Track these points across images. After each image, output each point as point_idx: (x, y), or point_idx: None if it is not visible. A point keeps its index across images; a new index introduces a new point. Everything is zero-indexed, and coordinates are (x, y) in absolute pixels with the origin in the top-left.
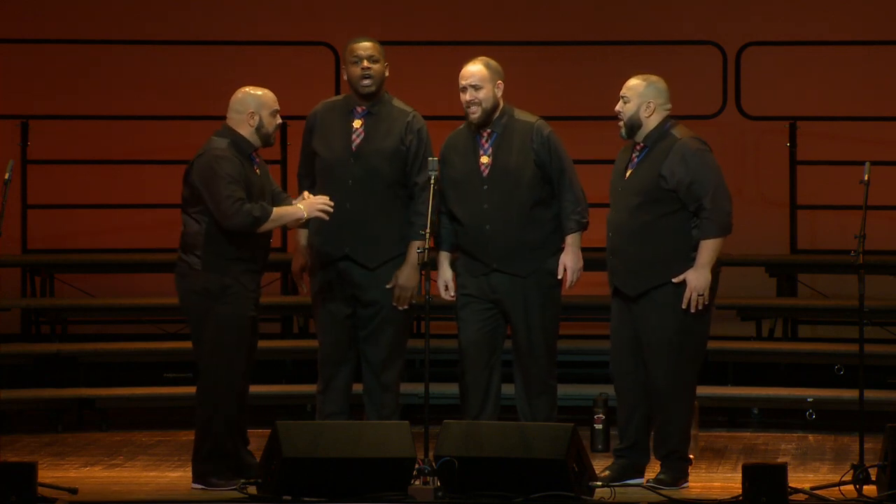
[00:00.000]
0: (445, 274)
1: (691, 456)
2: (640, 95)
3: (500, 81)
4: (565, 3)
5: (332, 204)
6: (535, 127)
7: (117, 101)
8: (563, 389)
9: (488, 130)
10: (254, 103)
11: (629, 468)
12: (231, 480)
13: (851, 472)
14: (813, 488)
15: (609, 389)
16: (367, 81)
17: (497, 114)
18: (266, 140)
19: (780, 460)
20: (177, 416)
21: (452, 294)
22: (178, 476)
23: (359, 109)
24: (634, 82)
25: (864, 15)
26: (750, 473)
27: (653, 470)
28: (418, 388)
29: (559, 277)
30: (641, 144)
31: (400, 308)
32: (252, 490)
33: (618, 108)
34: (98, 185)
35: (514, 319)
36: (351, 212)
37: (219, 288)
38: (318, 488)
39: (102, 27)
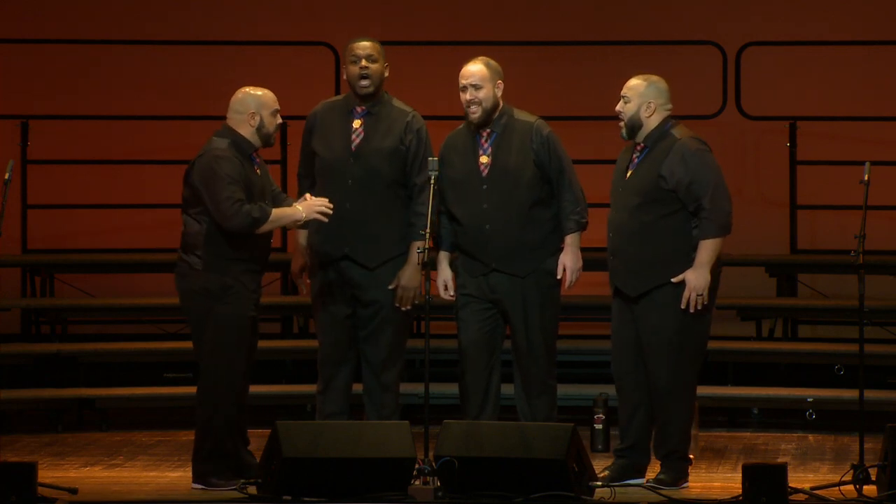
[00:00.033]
0: (444, 273)
1: (691, 456)
2: (641, 95)
3: (500, 81)
4: (565, 3)
5: (331, 206)
6: (535, 127)
7: (117, 101)
8: (563, 389)
9: (488, 130)
10: (254, 103)
11: (629, 468)
12: (231, 480)
13: (851, 472)
14: (813, 488)
15: (609, 389)
16: (365, 82)
17: (497, 114)
18: (267, 140)
19: (780, 460)
20: (177, 416)
21: (452, 293)
22: (178, 476)
23: (358, 109)
24: (635, 82)
25: (864, 15)
26: (750, 473)
27: (653, 470)
28: (418, 388)
29: (558, 277)
30: (642, 145)
31: (403, 309)
32: (252, 490)
33: (618, 108)
34: (98, 185)
35: (514, 319)
36: (351, 212)
37: (219, 288)
38: (318, 488)
39: (102, 27)
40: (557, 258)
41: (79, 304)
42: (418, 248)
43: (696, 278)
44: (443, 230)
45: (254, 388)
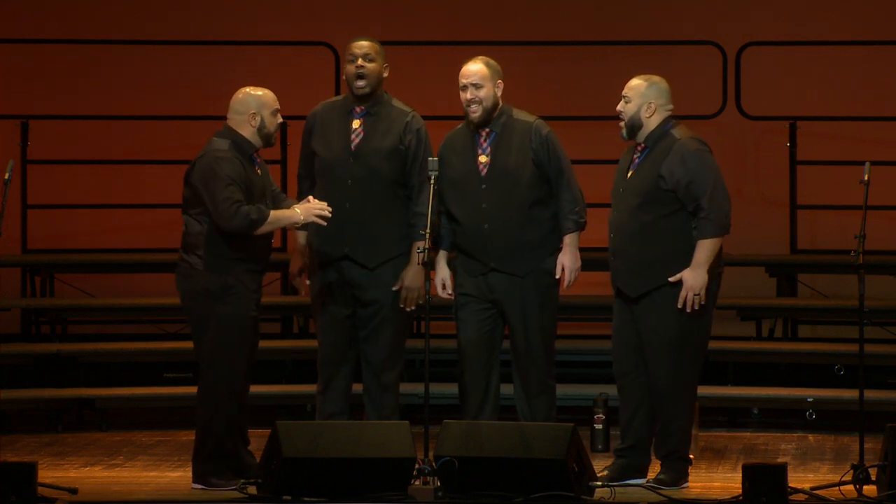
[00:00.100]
0: (442, 272)
1: (691, 456)
2: (642, 96)
3: (499, 81)
4: (565, 3)
5: (330, 210)
6: (534, 126)
7: (117, 101)
8: (563, 389)
9: (487, 130)
10: (255, 104)
11: (629, 468)
12: (231, 480)
13: (851, 472)
14: (813, 488)
15: (609, 389)
16: (361, 82)
17: (496, 113)
18: (267, 140)
19: (780, 460)
20: (177, 416)
21: (450, 292)
22: (178, 476)
23: (358, 109)
24: (636, 82)
25: (864, 15)
26: (750, 473)
27: (653, 470)
28: (418, 388)
29: (557, 277)
30: (642, 145)
31: (407, 309)
32: (252, 490)
33: (619, 107)
34: (98, 185)
35: (512, 320)
36: (350, 212)
37: (220, 288)
38: (318, 488)
39: (102, 27)
40: (556, 258)
41: (79, 304)
42: (418, 249)
43: (692, 278)
44: (442, 230)
45: (254, 388)
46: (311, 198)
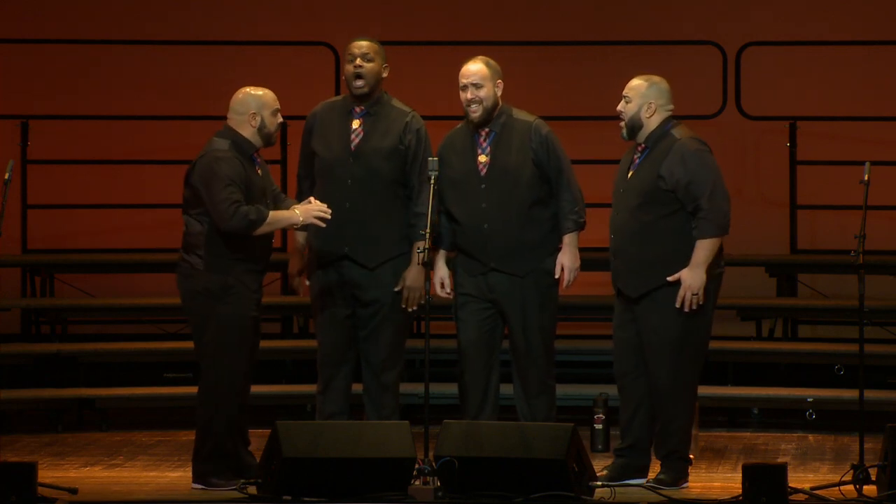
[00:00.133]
0: (441, 271)
1: (691, 456)
2: (642, 96)
3: (499, 80)
4: (565, 3)
5: (329, 212)
6: (534, 126)
7: (117, 101)
8: (563, 389)
9: (486, 129)
10: (255, 104)
11: (628, 468)
12: (231, 480)
13: (851, 472)
14: (813, 488)
15: (609, 389)
16: (359, 82)
17: (496, 113)
18: (268, 140)
19: (780, 460)
20: (177, 416)
21: (448, 291)
22: (178, 476)
23: (357, 109)
24: (636, 82)
25: (864, 15)
26: (750, 473)
27: (653, 470)
28: (418, 388)
29: (556, 277)
30: (643, 145)
31: (409, 309)
32: (252, 490)
33: (619, 107)
34: (98, 185)
35: (512, 320)
36: (350, 211)
37: (221, 288)
38: (318, 488)
39: (102, 27)
40: (556, 258)
41: (79, 304)
42: (418, 249)
43: (691, 277)
44: (442, 229)
45: (254, 388)
46: (312, 199)
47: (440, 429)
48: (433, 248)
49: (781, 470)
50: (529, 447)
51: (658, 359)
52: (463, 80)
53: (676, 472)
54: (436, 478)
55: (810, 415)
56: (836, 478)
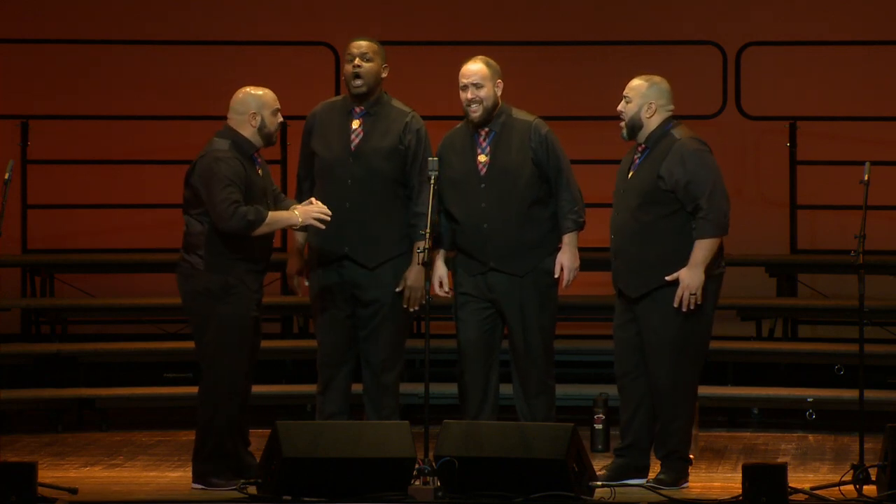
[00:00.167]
0: (440, 270)
1: (691, 456)
2: (643, 96)
3: (499, 80)
4: (565, 3)
5: (329, 213)
6: (533, 126)
7: (117, 101)
8: (563, 389)
9: (486, 129)
10: (255, 104)
11: (627, 467)
12: (231, 480)
13: (851, 472)
14: (813, 488)
15: (609, 389)
16: (357, 81)
17: (495, 113)
18: (268, 139)
19: (780, 460)
20: (177, 416)
21: (447, 290)
22: (178, 476)
23: (357, 109)
24: (637, 83)
25: (864, 15)
26: (750, 473)
27: (653, 470)
28: (418, 388)
29: (556, 276)
30: (643, 146)
31: (411, 309)
32: (252, 490)
33: (620, 107)
34: (98, 185)
35: (511, 320)
36: (350, 211)
37: (221, 288)
38: (318, 488)
39: (102, 27)
40: (555, 258)
41: (79, 304)
42: (418, 249)
43: (689, 277)
44: (441, 229)
45: (254, 388)
46: (313, 199)
47: (440, 429)
48: (433, 248)
49: (781, 470)
50: (529, 447)
51: (658, 359)
52: (463, 80)
53: (676, 472)
54: (436, 478)
55: (810, 415)
56: (836, 478)
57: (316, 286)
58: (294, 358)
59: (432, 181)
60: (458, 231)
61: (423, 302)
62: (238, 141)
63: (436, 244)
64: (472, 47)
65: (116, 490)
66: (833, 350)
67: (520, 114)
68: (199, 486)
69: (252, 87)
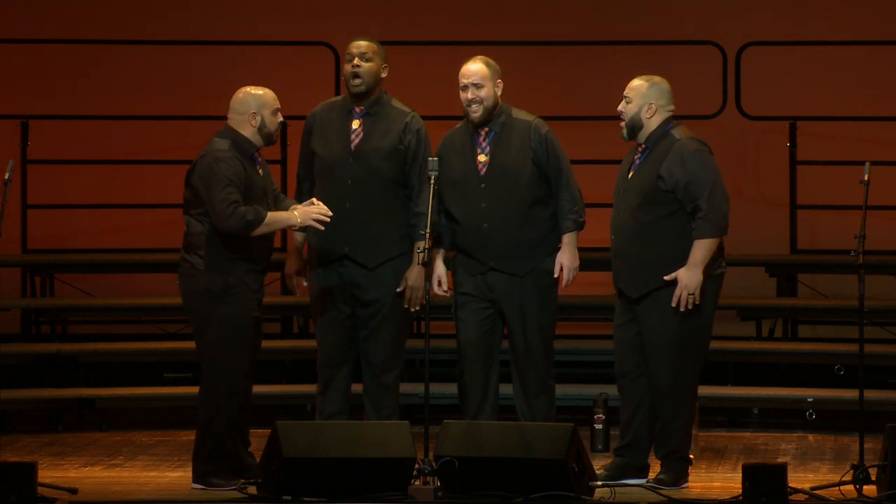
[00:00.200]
0: (438, 269)
1: (691, 456)
2: (643, 96)
3: (499, 80)
4: (565, 3)
5: (330, 214)
6: (533, 125)
7: (117, 101)
8: (563, 389)
9: (486, 129)
10: (255, 103)
11: (626, 467)
12: (231, 480)
13: (851, 472)
14: (813, 488)
15: (609, 389)
16: (356, 80)
17: (495, 112)
18: (268, 139)
19: (780, 460)
20: (177, 416)
21: (445, 289)
22: (178, 476)
23: (357, 109)
24: (637, 83)
25: (864, 15)
26: (750, 473)
27: (653, 470)
28: (418, 388)
29: (555, 276)
30: (643, 146)
31: (412, 309)
32: (252, 490)
33: (620, 108)
34: (98, 185)
35: (511, 320)
36: (350, 211)
37: (222, 288)
38: (318, 488)
39: (102, 27)
40: (555, 258)
41: (79, 304)
42: (419, 249)
43: (687, 277)
44: (441, 229)
45: (254, 388)
46: (315, 200)
47: (440, 429)
48: (433, 248)
49: (781, 470)
50: (529, 447)
51: (658, 359)
52: (463, 81)
53: (676, 472)
54: (436, 478)
55: (810, 415)
56: (836, 478)
57: (316, 286)
58: (294, 358)
59: (432, 181)
60: (458, 231)
61: (424, 302)
62: (238, 141)
63: (436, 244)
64: (472, 47)
65: (116, 490)
66: (833, 350)
67: (520, 114)
68: (199, 486)
69: (252, 87)
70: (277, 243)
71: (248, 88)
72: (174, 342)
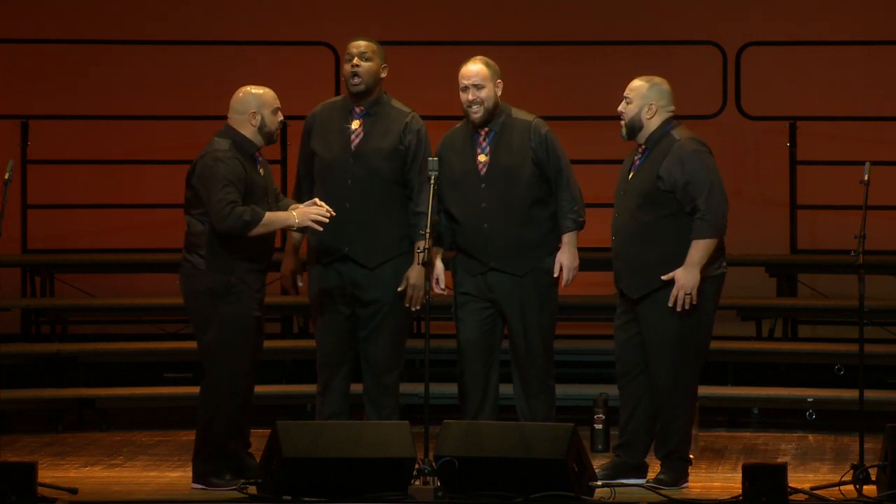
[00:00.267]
0: (437, 268)
1: (691, 456)
2: (643, 97)
3: (499, 80)
4: (565, 3)
5: (331, 213)
6: (533, 125)
7: (117, 101)
8: (563, 389)
9: (486, 129)
10: (255, 103)
11: (624, 466)
12: (231, 481)
13: (851, 472)
14: (813, 488)
15: (609, 389)
16: (356, 80)
17: (495, 113)
18: (269, 138)
19: (780, 460)
20: (177, 416)
21: (443, 287)
22: (178, 476)
23: (357, 110)
24: (637, 83)
25: (864, 15)
26: (750, 473)
27: (653, 470)
28: (418, 388)
29: (555, 276)
30: (643, 146)
31: (413, 308)
32: (252, 490)
33: (620, 108)
34: (98, 185)
35: (511, 320)
36: (350, 211)
37: (223, 287)
38: (318, 488)
39: (102, 27)
40: (555, 257)
41: (79, 304)
42: (419, 249)
43: (684, 277)
44: (441, 229)
45: (254, 388)
46: (317, 200)
47: (440, 429)
48: (433, 248)
49: (781, 470)
50: (529, 447)
51: (658, 359)
52: (464, 82)
53: (676, 472)
54: (436, 478)
55: (810, 415)
56: (836, 478)
57: (316, 286)
58: (294, 358)
59: (432, 181)
60: (458, 231)
61: (425, 301)
62: (238, 140)
63: (436, 244)
64: (472, 47)
65: (116, 490)
66: (833, 350)
67: (519, 113)
68: (199, 486)
69: (252, 87)
70: (278, 243)
71: (248, 88)
72: (174, 342)
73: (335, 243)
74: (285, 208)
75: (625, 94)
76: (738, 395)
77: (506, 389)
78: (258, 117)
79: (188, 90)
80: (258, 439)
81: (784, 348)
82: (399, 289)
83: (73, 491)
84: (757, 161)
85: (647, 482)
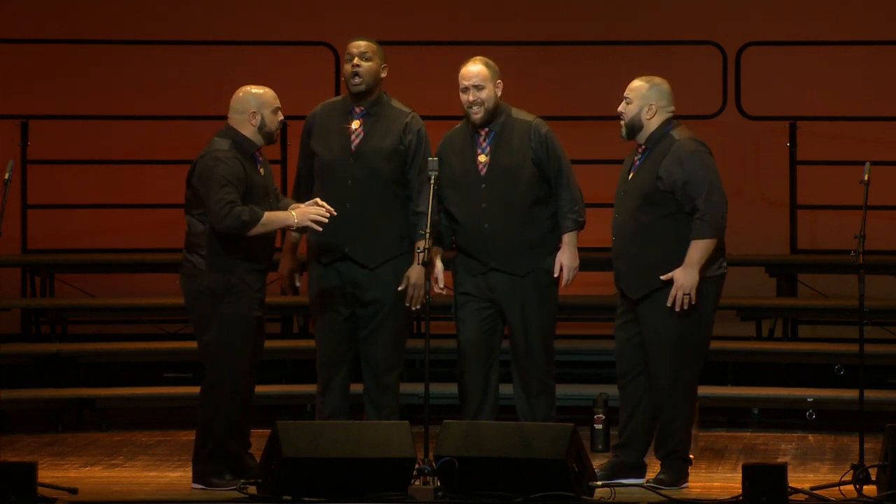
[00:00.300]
0: (437, 267)
1: (691, 456)
2: (643, 97)
3: (499, 81)
4: (565, 3)
5: (333, 213)
6: (533, 125)
7: (117, 101)
8: (563, 389)
9: (486, 129)
10: (255, 102)
11: (623, 466)
12: (231, 481)
13: (851, 472)
14: (813, 488)
15: (609, 389)
16: (356, 80)
17: (495, 113)
18: (269, 138)
19: (780, 460)
20: (177, 416)
21: (442, 286)
22: (178, 476)
23: (357, 110)
24: (637, 84)
25: (864, 15)
26: (750, 473)
27: (653, 470)
28: (418, 388)
29: (555, 276)
30: (643, 147)
31: (414, 308)
32: (252, 490)
33: (620, 108)
34: (98, 185)
35: (512, 320)
36: (350, 211)
37: (224, 287)
38: (318, 488)
39: (102, 27)
40: (555, 257)
41: (79, 304)
42: (419, 249)
43: (683, 277)
44: (441, 229)
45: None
46: (318, 200)
47: (440, 429)
48: (433, 248)
49: (781, 470)
50: (529, 447)
51: (658, 359)
52: (464, 83)
53: (676, 472)
54: (436, 478)
55: (810, 415)
56: (836, 478)
57: (315, 286)
58: (294, 358)
59: (432, 181)
60: (459, 231)
61: (425, 301)
62: (239, 140)
63: (436, 244)
64: (472, 47)
65: (116, 490)
66: (833, 350)
67: (519, 114)
68: (199, 486)
69: (252, 87)
70: (279, 243)
71: (247, 88)
72: (174, 342)
73: (335, 243)
74: (285, 208)
75: (625, 94)
76: (738, 395)
77: (506, 389)
78: (258, 117)
79: (188, 90)
80: (258, 439)
81: (784, 348)
82: (399, 288)
83: (73, 491)
84: (757, 161)
85: (647, 482)
